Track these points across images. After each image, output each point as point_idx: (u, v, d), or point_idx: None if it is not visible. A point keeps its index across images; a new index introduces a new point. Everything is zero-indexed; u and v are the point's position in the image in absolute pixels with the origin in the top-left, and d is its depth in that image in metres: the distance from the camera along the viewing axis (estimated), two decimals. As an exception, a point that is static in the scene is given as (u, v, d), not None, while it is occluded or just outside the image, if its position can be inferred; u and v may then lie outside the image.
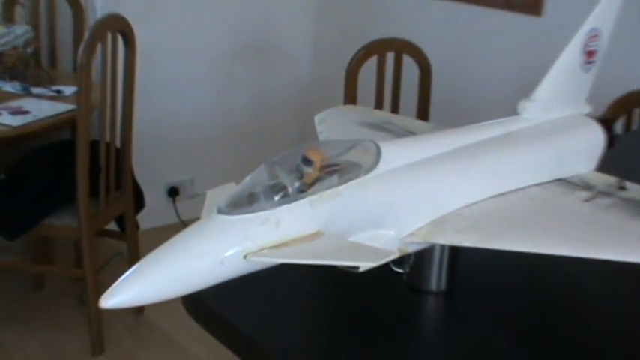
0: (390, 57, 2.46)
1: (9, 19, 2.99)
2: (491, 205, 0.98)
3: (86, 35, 2.30)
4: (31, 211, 2.40)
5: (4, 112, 2.37)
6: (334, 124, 1.31)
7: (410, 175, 0.93)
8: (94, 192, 2.38)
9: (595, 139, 1.14)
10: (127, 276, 0.75)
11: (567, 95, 1.17)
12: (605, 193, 1.05)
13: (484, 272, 1.10)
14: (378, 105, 2.47)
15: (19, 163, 2.48)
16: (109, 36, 2.33)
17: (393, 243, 0.90)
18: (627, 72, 2.34)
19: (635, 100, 2.10)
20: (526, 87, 1.17)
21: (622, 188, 1.08)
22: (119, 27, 2.40)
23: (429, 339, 0.99)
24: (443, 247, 1.01)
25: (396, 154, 0.93)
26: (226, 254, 0.78)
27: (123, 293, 0.74)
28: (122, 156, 2.54)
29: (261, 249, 0.79)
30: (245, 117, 3.57)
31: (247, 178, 0.85)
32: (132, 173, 2.63)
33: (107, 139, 2.42)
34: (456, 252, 1.03)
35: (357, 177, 0.88)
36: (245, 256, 0.78)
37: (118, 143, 2.54)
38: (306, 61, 3.72)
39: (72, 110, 2.38)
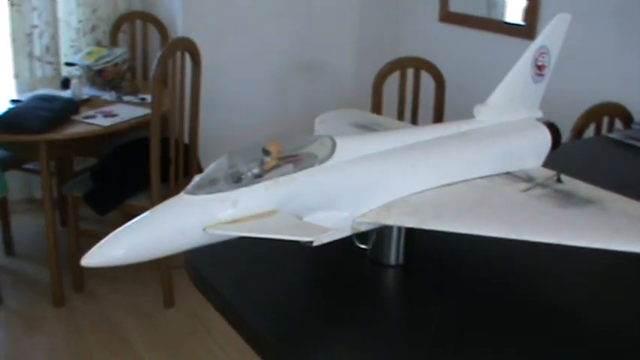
0: (410, 72, 2.48)
1: (114, 43, 3.29)
2: (436, 193, 0.95)
3: (158, 54, 2.42)
4: (116, 193, 2.50)
5: (99, 115, 2.56)
6: (330, 124, 1.27)
7: (361, 165, 0.90)
8: (164, 179, 2.44)
9: (542, 139, 1.11)
10: (103, 242, 0.75)
11: (519, 102, 1.13)
12: (543, 185, 1.01)
13: (439, 248, 1.05)
14: (400, 113, 2.43)
15: (108, 155, 2.59)
16: (178, 54, 2.48)
17: (346, 223, 0.88)
18: (602, 85, 2.32)
19: (605, 110, 2.10)
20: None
21: (559, 181, 1.04)
22: (186, 47, 2.53)
23: (388, 306, 0.94)
24: (400, 226, 0.97)
25: (350, 147, 0.90)
26: (187, 226, 0.76)
27: (99, 255, 0.74)
28: (190, 149, 2.62)
29: (219, 223, 0.77)
30: (296, 121, 3.52)
31: (212, 166, 0.83)
32: (198, 163, 2.68)
33: (176, 136, 2.51)
34: (412, 231, 0.99)
35: (311, 166, 0.85)
36: (204, 229, 0.76)
37: (186, 139, 2.63)
38: (349, 75, 3.69)
39: (148, 114, 2.47)
